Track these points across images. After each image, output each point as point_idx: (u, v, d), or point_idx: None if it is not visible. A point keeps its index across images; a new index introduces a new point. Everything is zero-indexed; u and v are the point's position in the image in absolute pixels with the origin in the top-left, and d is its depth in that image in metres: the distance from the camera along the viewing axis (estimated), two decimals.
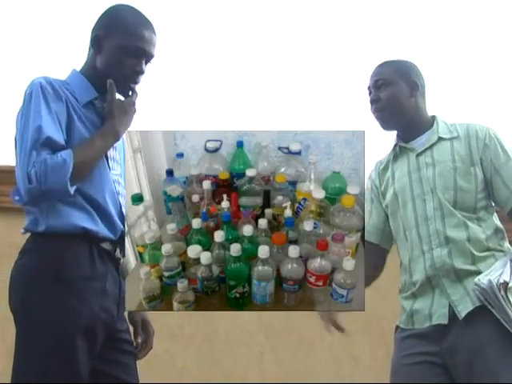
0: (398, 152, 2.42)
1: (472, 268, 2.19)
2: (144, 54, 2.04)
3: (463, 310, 2.16)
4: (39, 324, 1.82)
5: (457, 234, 2.22)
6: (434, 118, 2.43)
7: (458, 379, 2.15)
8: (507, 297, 2.07)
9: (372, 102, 2.41)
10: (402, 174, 2.38)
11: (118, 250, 2.03)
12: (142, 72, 2.05)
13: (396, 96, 2.37)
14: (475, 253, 2.20)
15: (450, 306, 2.19)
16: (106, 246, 1.98)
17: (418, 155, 2.35)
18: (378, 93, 2.39)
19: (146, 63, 2.06)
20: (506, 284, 2.08)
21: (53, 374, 1.80)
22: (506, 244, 2.29)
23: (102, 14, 2.09)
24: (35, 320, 1.83)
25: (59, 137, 1.89)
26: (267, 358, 4.12)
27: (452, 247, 2.21)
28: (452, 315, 2.18)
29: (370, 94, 2.43)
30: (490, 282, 2.09)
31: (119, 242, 2.04)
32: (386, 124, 2.42)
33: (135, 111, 2.07)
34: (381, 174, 2.49)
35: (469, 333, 2.14)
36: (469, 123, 2.38)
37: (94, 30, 2.08)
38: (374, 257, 2.49)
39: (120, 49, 2.01)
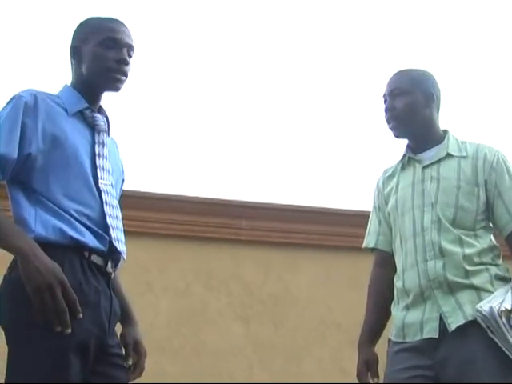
0: (406, 162, 2.42)
1: (465, 281, 2.21)
2: (120, 44, 2.08)
3: (453, 322, 2.17)
4: (31, 340, 1.80)
5: (452, 249, 2.23)
6: (445, 132, 2.43)
7: None
8: (509, 324, 2.09)
9: (387, 110, 2.40)
10: (406, 183, 2.38)
11: (108, 265, 2.01)
12: (124, 61, 2.08)
13: (411, 106, 2.36)
14: (468, 268, 2.21)
15: (440, 319, 2.19)
16: (97, 260, 1.96)
17: (424, 167, 2.36)
18: (394, 102, 2.38)
19: (128, 55, 2.09)
20: (507, 312, 2.09)
21: None
22: (500, 262, 2.30)
23: (74, 30, 2.16)
24: (26, 337, 1.81)
25: (11, 154, 1.88)
26: (256, 371, 4.11)
27: (447, 261, 2.22)
28: (443, 328, 2.18)
29: (385, 102, 2.42)
30: (491, 309, 2.10)
31: (110, 256, 2.01)
32: (399, 133, 2.42)
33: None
34: (386, 182, 2.48)
35: (460, 345, 2.15)
36: (479, 144, 2.38)
37: (71, 44, 2.14)
38: (390, 267, 2.41)
39: (97, 46, 2.06)
